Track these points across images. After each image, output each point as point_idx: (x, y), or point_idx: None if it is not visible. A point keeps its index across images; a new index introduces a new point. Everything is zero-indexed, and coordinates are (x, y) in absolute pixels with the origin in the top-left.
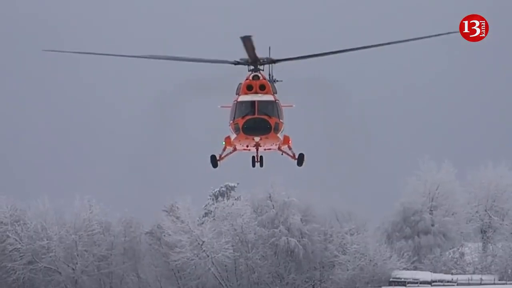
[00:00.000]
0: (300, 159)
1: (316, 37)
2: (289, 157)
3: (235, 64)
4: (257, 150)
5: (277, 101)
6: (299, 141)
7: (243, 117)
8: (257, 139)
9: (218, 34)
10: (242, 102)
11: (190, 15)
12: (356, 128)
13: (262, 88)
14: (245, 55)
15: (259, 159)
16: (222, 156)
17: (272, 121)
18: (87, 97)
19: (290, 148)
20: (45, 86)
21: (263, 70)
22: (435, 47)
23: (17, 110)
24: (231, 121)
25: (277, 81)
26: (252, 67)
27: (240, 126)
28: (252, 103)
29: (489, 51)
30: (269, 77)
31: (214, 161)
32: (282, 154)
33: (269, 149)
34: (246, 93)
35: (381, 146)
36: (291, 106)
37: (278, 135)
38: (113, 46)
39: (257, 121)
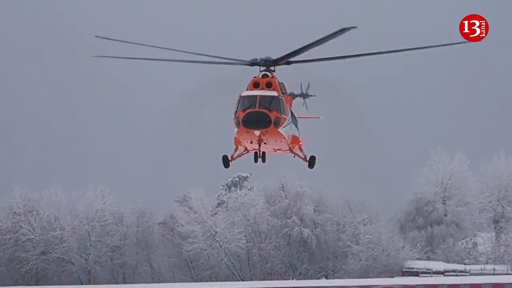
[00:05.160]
0: (312, 162)
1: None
2: (301, 160)
3: (250, 65)
4: (259, 145)
5: (280, 97)
6: (312, 133)
7: (243, 111)
8: (257, 133)
9: (226, 35)
10: (245, 97)
11: (199, 15)
12: (369, 120)
13: (269, 85)
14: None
15: (261, 155)
16: (234, 156)
17: (272, 115)
18: (102, 91)
19: (301, 150)
20: (63, 78)
21: (274, 71)
22: (448, 27)
23: (32, 101)
24: (233, 116)
25: (310, 95)
26: (264, 68)
27: (240, 119)
28: (254, 97)
29: (504, 45)
30: (301, 92)
31: (226, 162)
32: (294, 156)
33: (279, 149)
34: (252, 89)
35: (394, 136)
36: (318, 118)
37: (280, 130)
38: (130, 47)
39: (256, 114)
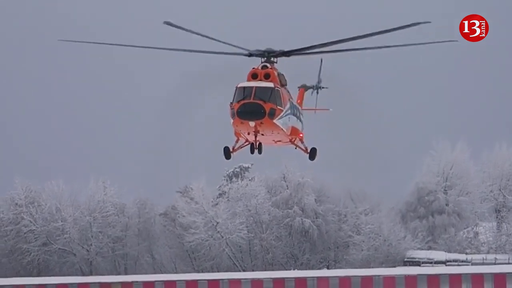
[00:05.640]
0: (312, 153)
1: (325, 33)
2: (302, 151)
3: (249, 56)
4: (255, 136)
5: (277, 88)
6: (314, 124)
7: (238, 102)
8: (252, 124)
9: (226, 26)
10: (241, 88)
11: (199, 5)
12: (369, 110)
13: (267, 76)
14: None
15: (257, 146)
16: (235, 148)
17: (267, 107)
18: (102, 82)
19: (302, 142)
20: (63, 72)
21: (276, 63)
22: (446, 28)
23: (33, 94)
24: (230, 106)
25: (322, 87)
26: (265, 59)
27: (235, 110)
28: (250, 88)
29: (503, 39)
30: (317, 83)
31: (227, 153)
32: (296, 148)
33: (279, 141)
34: (250, 80)
35: (395, 126)
36: (327, 110)
37: (275, 122)
38: (124, 36)
39: (251, 105)
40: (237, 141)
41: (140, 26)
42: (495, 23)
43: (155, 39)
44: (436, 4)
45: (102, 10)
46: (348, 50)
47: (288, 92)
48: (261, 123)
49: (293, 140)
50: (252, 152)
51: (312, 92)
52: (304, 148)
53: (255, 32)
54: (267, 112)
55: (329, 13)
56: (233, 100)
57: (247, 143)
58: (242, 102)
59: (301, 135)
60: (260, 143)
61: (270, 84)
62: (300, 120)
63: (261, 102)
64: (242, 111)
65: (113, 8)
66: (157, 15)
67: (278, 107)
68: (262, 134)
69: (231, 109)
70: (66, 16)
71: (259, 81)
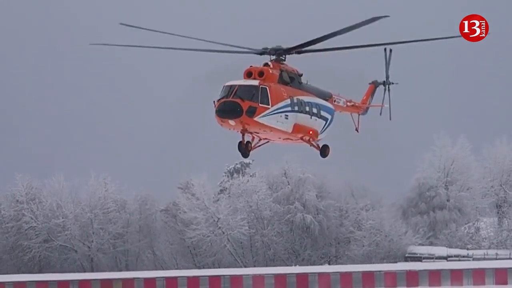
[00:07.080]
0: (323, 150)
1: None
2: (314, 148)
3: (260, 54)
4: (243, 134)
5: (263, 86)
6: None
7: (219, 100)
8: (231, 122)
9: (231, 22)
10: (226, 86)
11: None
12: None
13: (261, 74)
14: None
15: (245, 145)
16: (252, 145)
17: (245, 105)
18: (104, 77)
19: (313, 139)
20: (65, 65)
21: (284, 61)
22: (449, 26)
23: (35, 88)
24: (214, 105)
25: (392, 83)
26: (274, 57)
27: (215, 109)
28: (233, 87)
29: (505, 29)
30: (386, 79)
31: (243, 151)
32: (310, 146)
33: (287, 138)
34: (245, 78)
35: (396, 122)
36: (383, 106)
37: (258, 119)
38: (132, 36)
39: (228, 104)
40: (252, 140)
41: (145, 25)
42: (495, 23)
43: (162, 39)
44: (436, 4)
45: (109, 10)
46: (352, 48)
47: (300, 89)
48: (241, 121)
49: (304, 138)
50: (240, 150)
51: (385, 88)
52: (316, 146)
53: (265, 30)
54: (244, 110)
55: (329, 12)
56: (218, 98)
57: (262, 141)
58: (221, 100)
59: (311, 132)
60: (247, 142)
61: (254, 82)
62: (320, 117)
63: (238, 101)
64: (219, 110)
65: (120, 8)
66: (161, 14)
67: (261, 105)
68: (257, 133)
69: (214, 107)
70: (73, 16)
71: (245, 80)
